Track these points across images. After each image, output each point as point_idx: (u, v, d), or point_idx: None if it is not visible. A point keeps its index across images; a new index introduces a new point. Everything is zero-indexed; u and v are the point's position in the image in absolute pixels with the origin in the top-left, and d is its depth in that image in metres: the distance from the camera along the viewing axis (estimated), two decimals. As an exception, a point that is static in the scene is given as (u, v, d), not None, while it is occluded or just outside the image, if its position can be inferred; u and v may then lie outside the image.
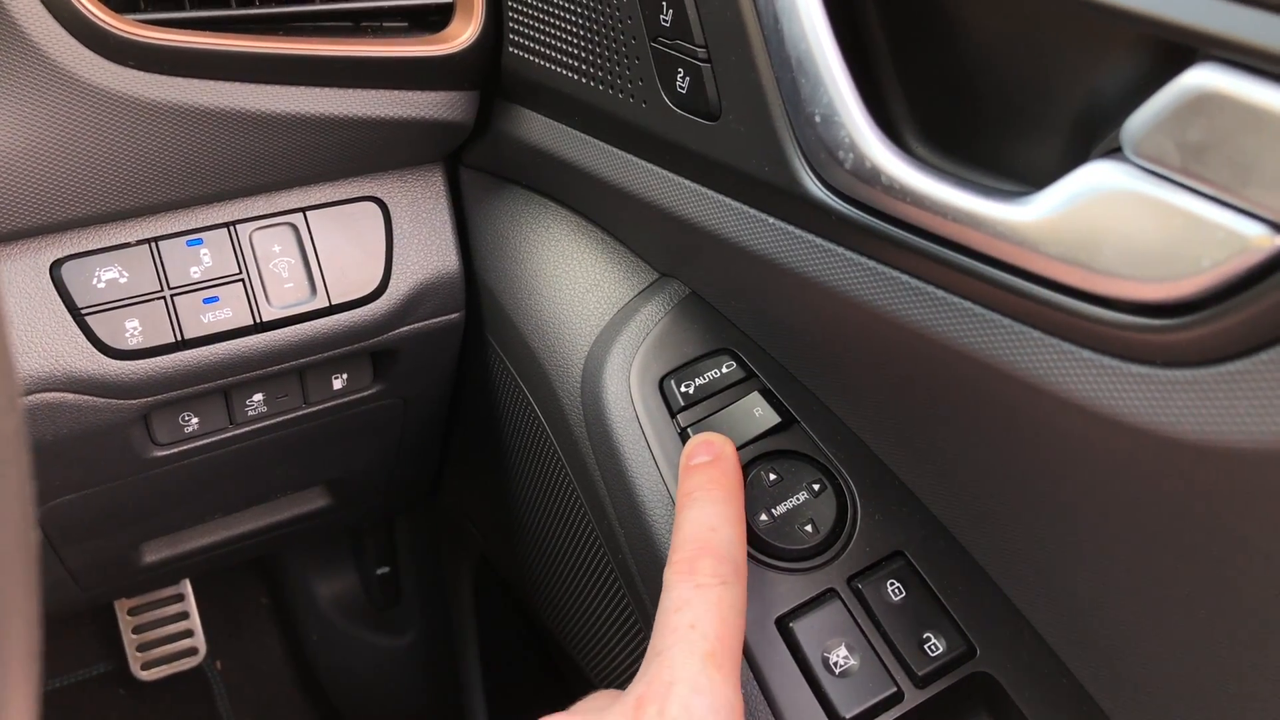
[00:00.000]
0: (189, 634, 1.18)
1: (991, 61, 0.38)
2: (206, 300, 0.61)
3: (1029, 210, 0.34)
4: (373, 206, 0.67)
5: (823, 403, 0.53)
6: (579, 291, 0.61)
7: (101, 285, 0.59)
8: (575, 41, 0.54)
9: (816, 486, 0.51)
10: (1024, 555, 0.46)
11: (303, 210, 0.65)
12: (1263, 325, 0.29)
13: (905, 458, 0.51)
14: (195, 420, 0.66)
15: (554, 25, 0.56)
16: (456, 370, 0.78)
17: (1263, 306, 0.29)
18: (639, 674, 0.41)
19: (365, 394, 0.73)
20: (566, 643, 0.72)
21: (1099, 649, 0.44)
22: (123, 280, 0.59)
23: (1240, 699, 0.38)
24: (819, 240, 0.43)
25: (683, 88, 0.47)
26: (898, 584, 0.48)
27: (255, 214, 0.64)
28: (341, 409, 0.73)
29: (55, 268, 0.58)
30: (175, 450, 0.67)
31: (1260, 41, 0.27)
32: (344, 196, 0.66)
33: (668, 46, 0.47)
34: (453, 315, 0.71)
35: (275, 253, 0.64)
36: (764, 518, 0.49)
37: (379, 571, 1.17)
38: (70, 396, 0.59)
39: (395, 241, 0.67)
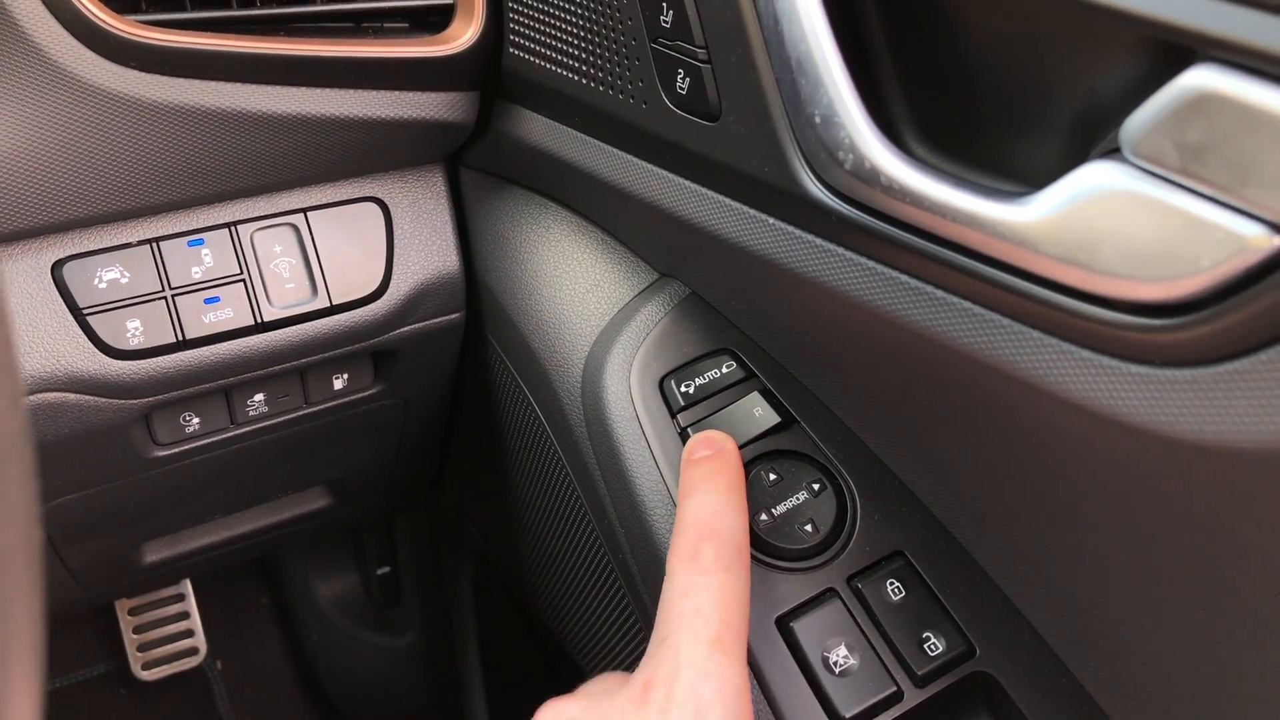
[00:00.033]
0: (189, 634, 1.18)
1: (991, 62, 0.38)
2: (208, 300, 0.61)
3: (1028, 210, 0.34)
4: (373, 207, 0.67)
5: (823, 403, 0.53)
6: (579, 292, 0.61)
7: (103, 285, 0.59)
8: (575, 42, 0.54)
9: (816, 486, 0.51)
10: (1024, 555, 0.46)
11: (304, 211, 0.65)
12: (1261, 325, 0.29)
13: (905, 458, 0.51)
14: (196, 420, 0.67)
15: (554, 26, 0.56)
16: (457, 370, 0.78)
17: (1261, 306, 0.29)
18: (644, 659, 0.41)
19: (366, 394, 0.73)
20: (566, 642, 0.72)
21: (1098, 649, 0.45)
22: (124, 280, 0.59)
23: (1239, 699, 0.39)
24: (819, 240, 0.43)
25: (683, 88, 0.47)
26: (897, 584, 0.49)
27: (256, 214, 0.64)
28: (342, 409, 0.73)
29: (57, 268, 0.58)
30: (176, 450, 0.67)
31: (1258, 42, 0.28)
32: (345, 197, 0.66)
33: (668, 47, 0.47)
34: (453, 315, 0.71)
35: (276, 253, 0.64)
36: (764, 517, 0.49)
37: (379, 571, 1.17)
38: (71, 396, 0.59)
39: (396, 242, 0.67)
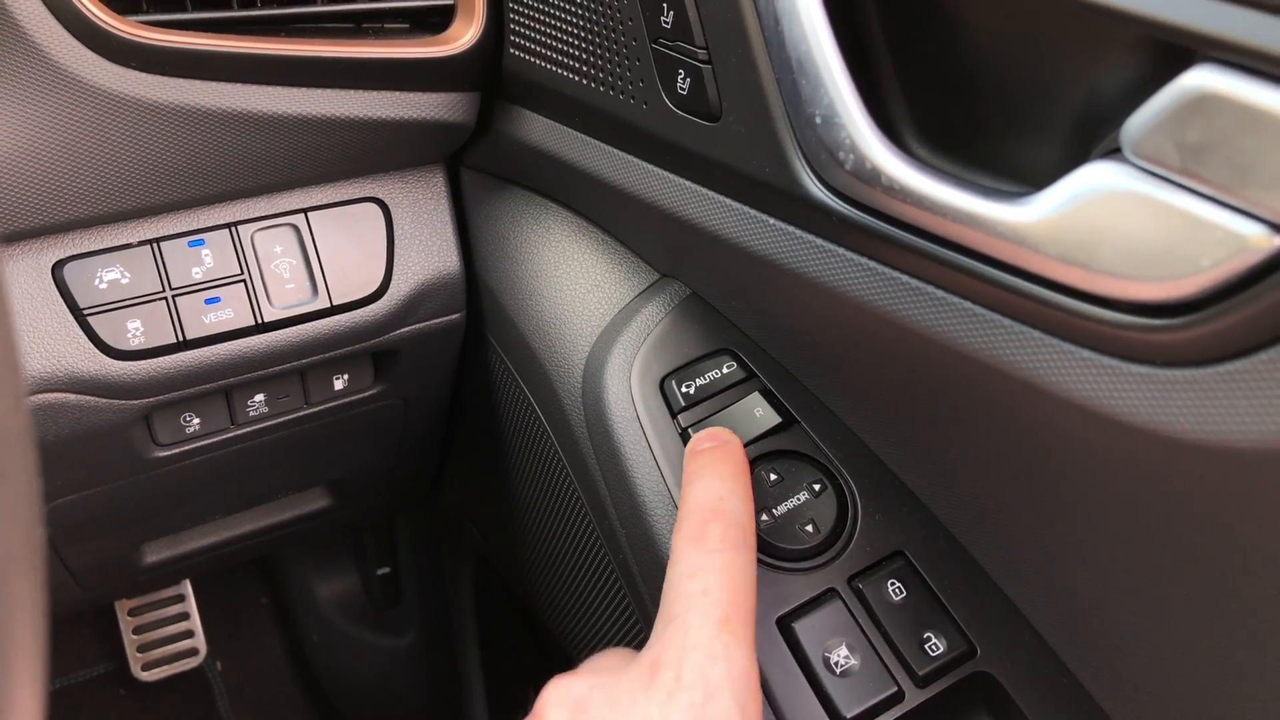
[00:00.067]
0: (189, 634, 1.18)
1: (991, 62, 0.38)
2: (208, 301, 0.61)
3: (1029, 210, 0.34)
4: (374, 207, 0.67)
5: (823, 403, 0.53)
6: (580, 292, 0.61)
7: (103, 286, 0.59)
8: (576, 43, 0.54)
9: (817, 486, 0.51)
10: (1024, 555, 0.46)
11: (304, 211, 0.65)
12: (1262, 325, 0.29)
13: (906, 458, 0.51)
14: (197, 421, 0.67)
15: (555, 27, 0.56)
16: (457, 371, 0.78)
17: (1261, 306, 0.29)
18: (651, 640, 0.40)
19: (366, 394, 0.73)
20: (567, 642, 0.72)
21: (1099, 648, 0.45)
22: (124, 281, 0.59)
23: (1240, 699, 0.39)
24: (819, 241, 0.43)
25: (683, 89, 0.47)
26: (898, 584, 0.49)
27: (257, 215, 0.64)
28: (342, 409, 0.73)
29: (57, 268, 0.58)
30: (176, 451, 0.67)
31: (1258, 43, 0.28)
32: (345, 197, 0.66)
33: (668, 48, 0.47)
34: (454, 316, 0.71)
35: (277, 253, 0.64)
36: (765, 517, 0.49)
37: (379, 572, 1.17)
38: (72, 397, 0.59)
39: (396, 242, 0.67)
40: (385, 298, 0.67)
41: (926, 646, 0.47)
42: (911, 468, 0.51)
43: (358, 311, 0.66)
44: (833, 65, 0.39)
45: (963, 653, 0.47)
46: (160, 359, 0.60)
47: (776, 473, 0.51)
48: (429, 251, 0.68)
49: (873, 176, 0.39)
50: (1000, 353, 0.37)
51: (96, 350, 0.58)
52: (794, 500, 0.50)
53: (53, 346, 0.58)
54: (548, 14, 0.56)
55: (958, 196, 0.36)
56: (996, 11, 0.37)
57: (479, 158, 0.70)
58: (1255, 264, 0.29)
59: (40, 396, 0.58)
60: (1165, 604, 0.39)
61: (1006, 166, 0.39)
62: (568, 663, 0.74)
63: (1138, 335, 0.32)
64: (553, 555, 0.69)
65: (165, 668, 1.16)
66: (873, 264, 0.41)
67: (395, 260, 0.67)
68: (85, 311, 0.58)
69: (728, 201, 0.48)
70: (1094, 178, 0.32)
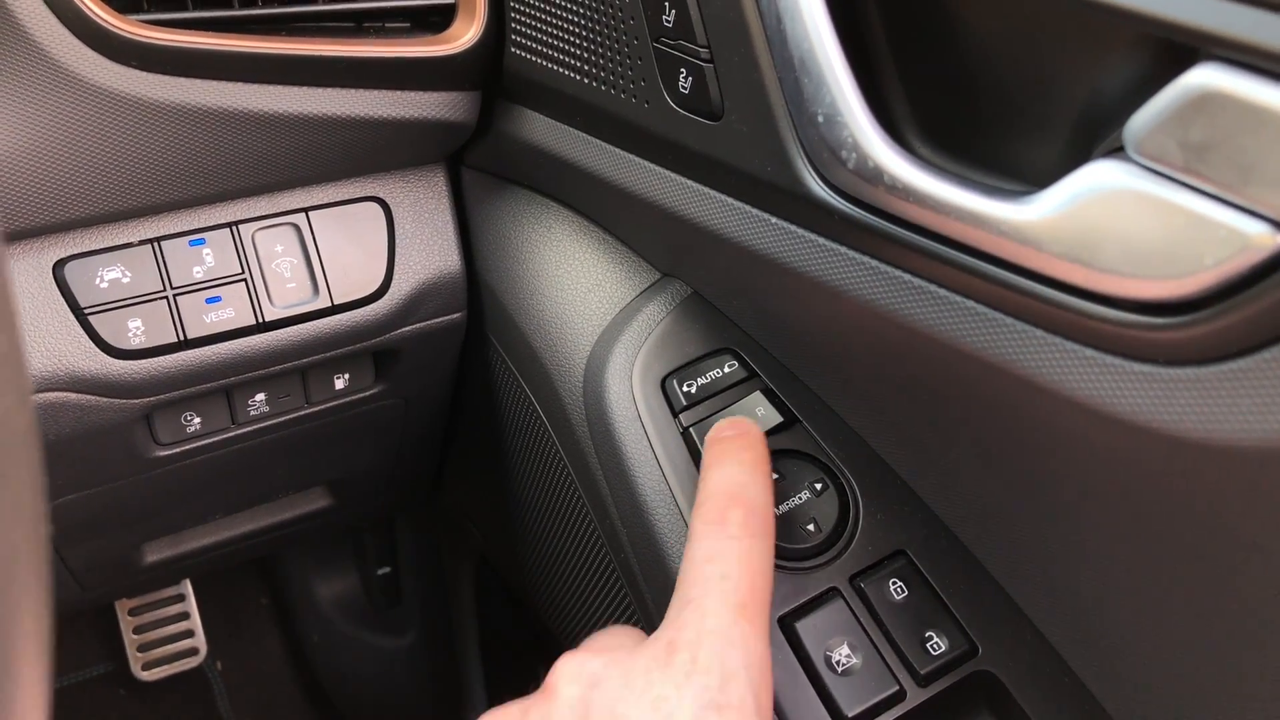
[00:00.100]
0: (189, 634, 1.18)
1: (994, 61, 0.38)
2: (209, 300, 0.61)
3: (1032, 209, 0.34)
4: (375, 207, 0.67)
5: (824, 402, 0.53)
6: (581, 291, 0.61)
7: (104, 285, 0.59)
8: (577, 42, 0.54)
9: (819, 486, 0.51)
10: (1026, 554, 0.46)
11: (305, 210, 0.65)
12: (1265, 323, 0.29)
13: (907, 457, 0.51)
14: (197, 420, 0.66)
15: (556, 26, 0.56)
16: (458, 370, 0.78)
17: (1264, 304, 0.29)
18: (666, 621, 0.40)
19: (367, 394, 0.73)
20: (568, 643, 0.72)
21: (1101, 647, 0.45)
22: (125, 280, 0.59)
23: (1241, 698, 0.39)
24: (821, 240, 0.43)
25: (685, 88, 0.47)
26: (900, 583, 0.49)
27: (258, 214, 0.64)
28: (343, 409, 0.73)
29: (58, 268, 0.58)
30: (177, 450, 0.67)
31: (1262, 41, 0.28)
32: (346, 197, 0.66)
33: (670, 47, 0.47)
34: (455, 315, 0.71)
35: (278, 253, 0.64)
36: (766, 517, 0.49)
37: (379, 572, 1.17)
38: (73, 396, 0.59)
39: (397, 242, 0.67)
40: (386, 297, 0.67)
41: (928, 645, 0.47)
42: (913, 467, 0.51)
43: (358, 311, 0.66)
44: (835, 64, 0.39)
45: (964, 652, 0.47)
46: (161, 358, 0.60)
47: (778, 472, 0.51)
48: (430, 251, 0.68)
49: (875, 175, 0.39)
50: (1002, 351, 0.37)
51: (97, 349, 0.58)
52: (795, 499, 0.50)
53: (54, 346, 0.58)
54: (549, 13, 0.56)
55: (960, 195, 0.36)
56: (999, 10, 0.37)
57: (480, 157, 0.70)
58: (1258, 262, 0.29)
59: (41, 396, 0.58)
60: (1167, 603, 0.39)
61: (1009, 165, 0.39)
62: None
63: (1140, 334, 0.32)
64: (553, 555, 0.69)
65: (165, 668, 1.16)
66: (875, 263, 0.41)
67: (396, 260, 0.67)
68: (86, 311, 0.58)
69: (729, 200, 0.48)
70: (1097, 176, 0.32)
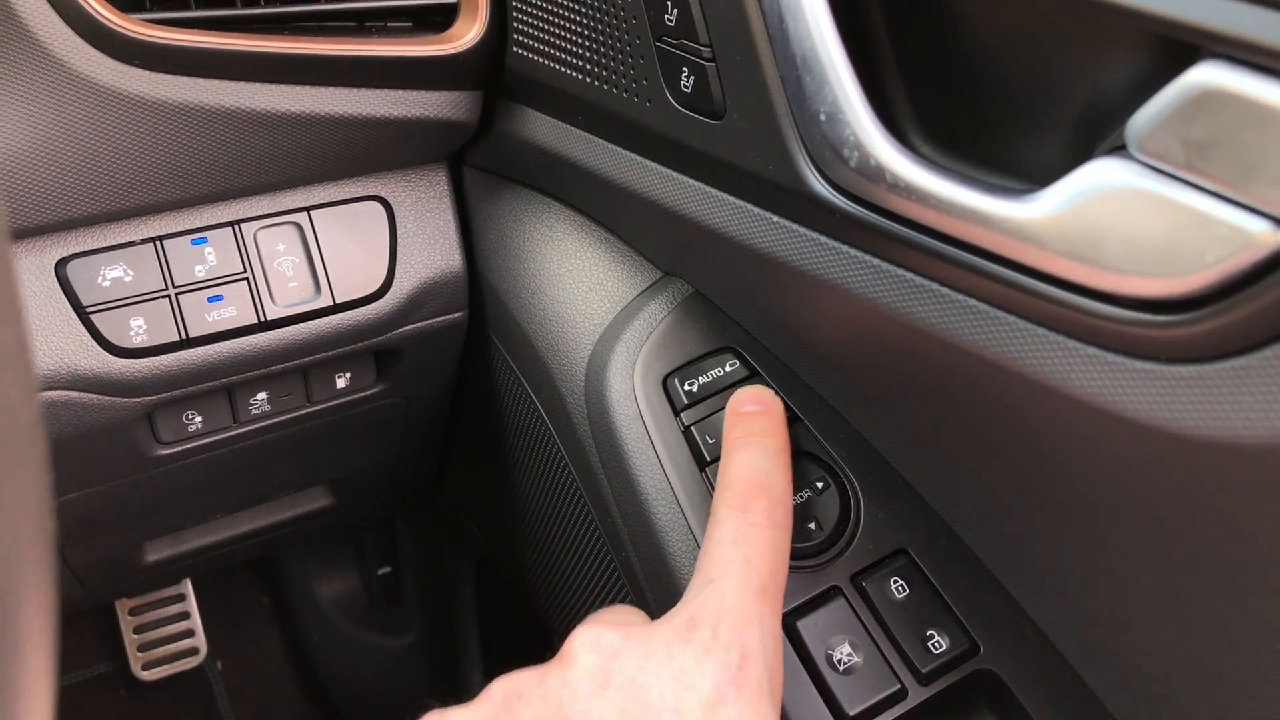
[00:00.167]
0: (190, 634, 1.18)
1: (995, 59, 0.38)
2: (211, 299, 0.61)
3: (1034, 207, 0.34)
4: (377, 206, 0.67)
5: (826, 401, 0.53)
6: (582, 290, 0.61)
7: (106, 284, 0.59)
8: (579, 41, 0.54)
9: (820, 484, 0.51)
10: (1028, 552, 0.46)
11: (307, 209, 0.65)
12: (1267, 320, 0.29)
13: (909, 455, 0.51)
14: (199, 419, 0.67)
15: (558, 25, 0.56)
16: (459, 370, 0.78)
17: (1266, 302, 0.29)
18: (685, 598, 0.41)
19: (368, 393, 0.73)
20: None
21: (1103, 646, 0.45)
22: (128, 279, 0.59)
23: (1244, 698, 0.39)
24: (823, 238, 0.43)
25: (687, 87, 0.47)
26: (901, 581, 0.49)
27: (260, 213, 0.64)
28: (344, 408, 0.73)
29: (61, 266, 0.58)
30: (179, 449, 0.67)
31: (1264, 39, 0.28)
32: (348, 196, 0.66)
33: (672, 46, 0.48)
34: (456, 315, 0.71)
35: (280, 252, 0.64)
36: (768, 515, 0.49)
37: (380, 571, 1.17)
38: (75, 394, 0.59)
39: (399, 241, 0.67)
40: (388, 296, 0.67)
41: (929, 644, 0.47)
42: (914, 465, 0.51)
43: (360, 310, 0.66)
44: (837, 62, 0.39)
45: (965, 650, 0.47)
46: (163, 357, 0.60)
47: (779, 470, 0.51)
48: (432, 250, 0.68)
49: (877, 174, 0.39)
50: (1005, 349, 0.37)
51: (100, 348, 0.59)
52: (797, 498, 0.50)
53: (56, 344, 0.58)
54: (551, 12, 0.56)
55: (962, 193, 0.37)
56: (1001, 8, 0.37)
57: (482, 156, 0.70)
58: (1260, 260, 0.29)
59: (43, 394, 0.58)
60: (1169, 601, 0.39)
61: (1011, 163, 0.39)
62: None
63: (1142, 331, 0.32)
64: (555, 554, 0.69)
65: (165, 667, 1.16)
66: (877, 261, 0.41)
67: (398, 259, 0.67)
68: (88, 309, 0.58)
69: (731, 199, 0.48)
70: (1099, 174, 0.33)
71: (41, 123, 0.52)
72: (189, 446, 0.68)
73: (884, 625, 0.48)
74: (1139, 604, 0.41)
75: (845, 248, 0.42)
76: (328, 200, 0.66)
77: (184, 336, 0.61)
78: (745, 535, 0.42)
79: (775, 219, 0.46)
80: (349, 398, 0.72)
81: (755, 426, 0.48)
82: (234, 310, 0.62)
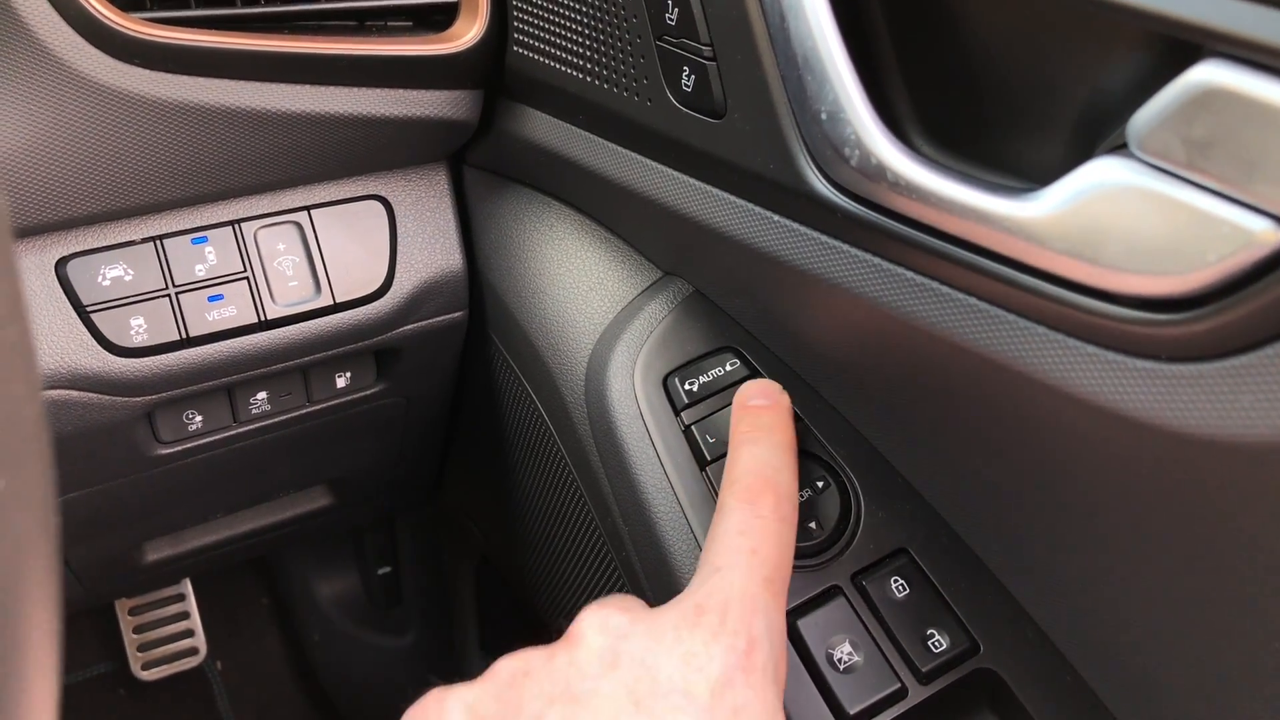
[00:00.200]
0: (189, 634, 1.18)
1: (996, 59, 0.38)
2: (211, 298, 0.62)
3: (1035, 206, 0.34)
4: (377, 205, 0.67)
5: (826, 400, 0.53)
6: (583, 290, 0.61)
7: (107, 283, 0.59)
8: (580, 40, 0.54)
9: (820, 484, 0.51)
10: (1028, 551, 0.46)
11: (307, 209, 0.65)
12: (1268, 319, 0.29)
13: (909, 454, 0.51)
14: (199, 418, 0.67)
15: (559, 24, 0.56)
16: (459, 369, 0.78)
17: (1267, 300, 0.29)
18: (692, 586, 0.41)
19: (368, 392, 0.73)
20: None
21: (1103, 645, 0.45)
22: (128, 278, 0.59)
23: (1244, 697, 0.39)
24: (824, 237, 0.43)
25: (688, 86, 0.47)
26: (901, 581, 0.49)
27: (260, 212, 0.64)
28: (345, 407, 0.73)
29: (61, 265, 0.58)
30: (179, 448, 0.67)
31: (1265, 37, 0.28)
32: (348, 195, 0.66)
33: (673, 45, 0.48)
34: (456, 314, 0.71)
35: (280, 251, 0.64)
36: (768, 514, 0.49)
37: (380, 571, 1.17)
38: (75, 394, 0.59)
39: (399, 240, 0.67)
40: (388, 296, 0.67)
41: (930, 643, 0.47)
42: (916, 464, 0.51)
43: (360, 309, 0.66)
44: (838, 61, 0.39)
45: (966, 649, 0.47)
46: (163, 356, 0.60)
47: (780, 470, 0.51)
48: (432, 249, 0.68)
49: (878, 173, 0.39)
50: (1005, 348, 0.37)
51: (100, 347, 0.59)
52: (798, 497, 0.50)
53: (56, 343, 0.58)
54: (552, 11, 0.56)
55: (963, 192, 0.37)
56: (1002, 7, 0.37)
57: (482, 156, 0.70)
58: (1261, 258, 0.29)
59: (43, 393, 0.58)
60: (1170, 600, 0.39)
61: (1012, 162, 0.39)
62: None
63: (1143, 330, 0.32)
64: (555, 554, 0.69)
65: (165, 667, 1.16)
66: (877, 260, 0.41)
67: (398, 258, 0.67)
68: (89, 308, 0.58)
69: (732, 199, 0.48)
70: (1100, 173, 0.33)
71: (42, 122, 0.52)
72: (189, 446, 0.68)
73: (884, 624, 0.48)
74: (1139, 603, 0.41)
75: (846, 247, 0.42)
76: (328, 199, 0.66)
77: (184, 336, 0.61)
78: (753, 527, 0.43)
79: (776, 218, 0.46)
80: (349, 397, 0.72)
81: (763, 421, 0.48)
82: (234, 309, 0.62)
